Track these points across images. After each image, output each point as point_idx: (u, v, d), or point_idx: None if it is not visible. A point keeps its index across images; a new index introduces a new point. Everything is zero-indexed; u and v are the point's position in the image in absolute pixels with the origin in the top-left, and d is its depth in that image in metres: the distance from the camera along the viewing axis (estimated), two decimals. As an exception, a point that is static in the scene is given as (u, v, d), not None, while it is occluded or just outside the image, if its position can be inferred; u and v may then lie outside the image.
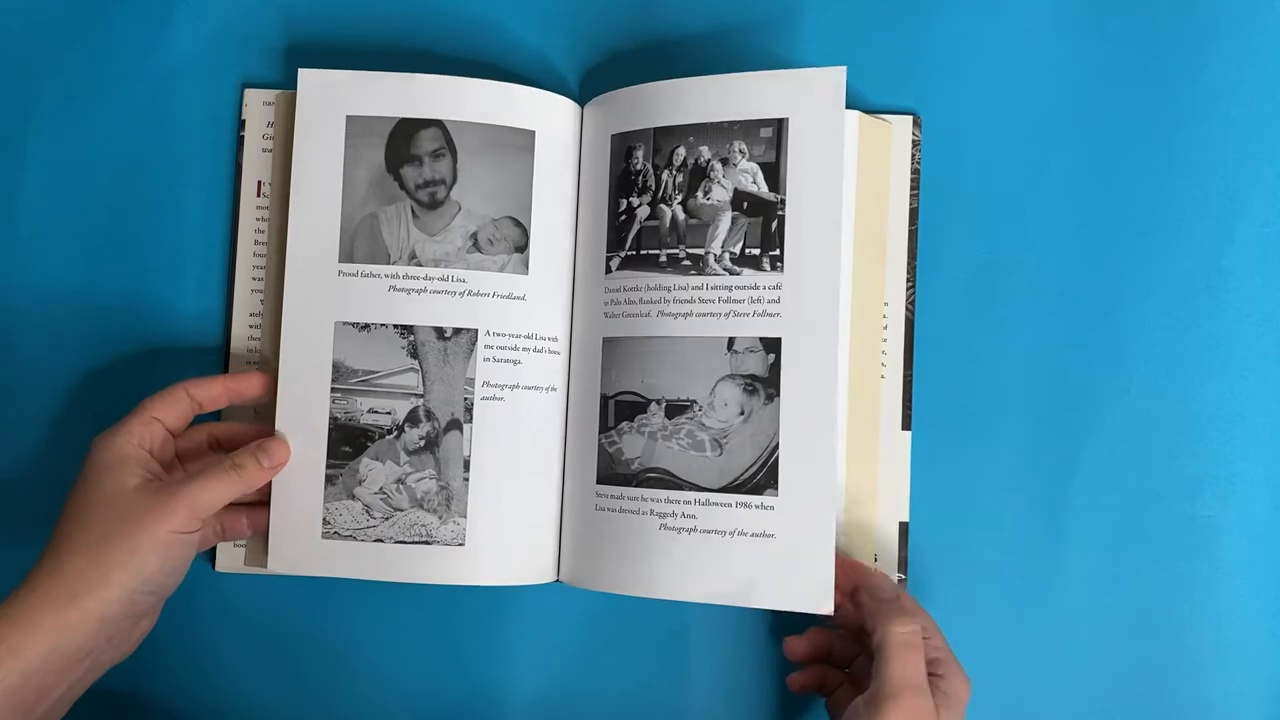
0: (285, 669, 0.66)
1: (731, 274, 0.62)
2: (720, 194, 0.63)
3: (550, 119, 0.65)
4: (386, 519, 0.63)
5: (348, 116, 0.63)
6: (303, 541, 0.62)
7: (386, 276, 0.63)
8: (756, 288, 0.62)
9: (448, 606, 0.67)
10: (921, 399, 0.67)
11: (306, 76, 0.64)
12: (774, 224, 0.62)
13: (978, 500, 0.67)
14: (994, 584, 0.66)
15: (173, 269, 0.68)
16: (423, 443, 0.63)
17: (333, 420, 0.63)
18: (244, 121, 0.67)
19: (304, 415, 0.63)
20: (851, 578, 0.63)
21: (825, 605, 0.60)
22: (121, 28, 0.69)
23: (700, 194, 0.63)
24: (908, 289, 0.66)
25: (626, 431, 0.63)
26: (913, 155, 0.67)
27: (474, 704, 0.67)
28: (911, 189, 0.67)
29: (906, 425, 0.66)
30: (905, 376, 0.66)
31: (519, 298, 0.63)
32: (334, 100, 0.64)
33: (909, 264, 0.66)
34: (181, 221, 0.68)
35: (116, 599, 0.56)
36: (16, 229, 0.68)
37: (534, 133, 0.64)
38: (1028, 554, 0.67)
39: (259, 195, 0.67)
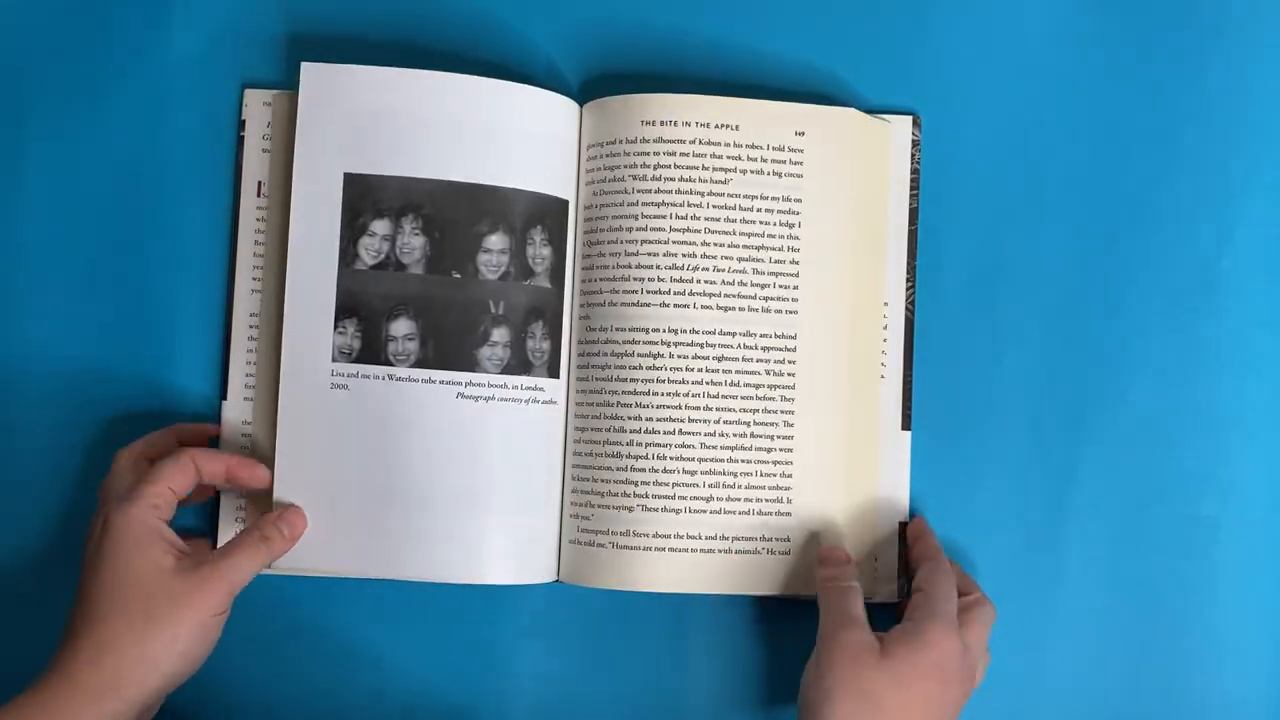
0: (284, 668, 0.66)
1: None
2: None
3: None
4: None
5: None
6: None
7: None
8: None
9: (448, 605, 0.67)
10: (921, 399, 0.67)
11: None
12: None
13: (977, 501, 0.67)
14: (994, 584, 0.65)
15: (172, 269, 0.67)
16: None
17: None
18: (244, 122, 0.67)
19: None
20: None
21: None
22: (121, 28, 0.68)
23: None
24: (907, 289, 0.66)
25: None
26: (912, 155, 0.67)
27: (474, 703, 0.67)
28: (911, 189, 0.67)
29: (906, 425, 0.66)
30: (905, 377, 0.66)
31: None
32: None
33: (909, 264, 0.66)
34: (181, 222, 0.67)
35: (157, 685, 0.55)
36: (16, 228, 0.68)
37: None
38: (1028, 554, 0.67)
39: (259, 196, 0.66)
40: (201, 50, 0.68)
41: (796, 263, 0.64)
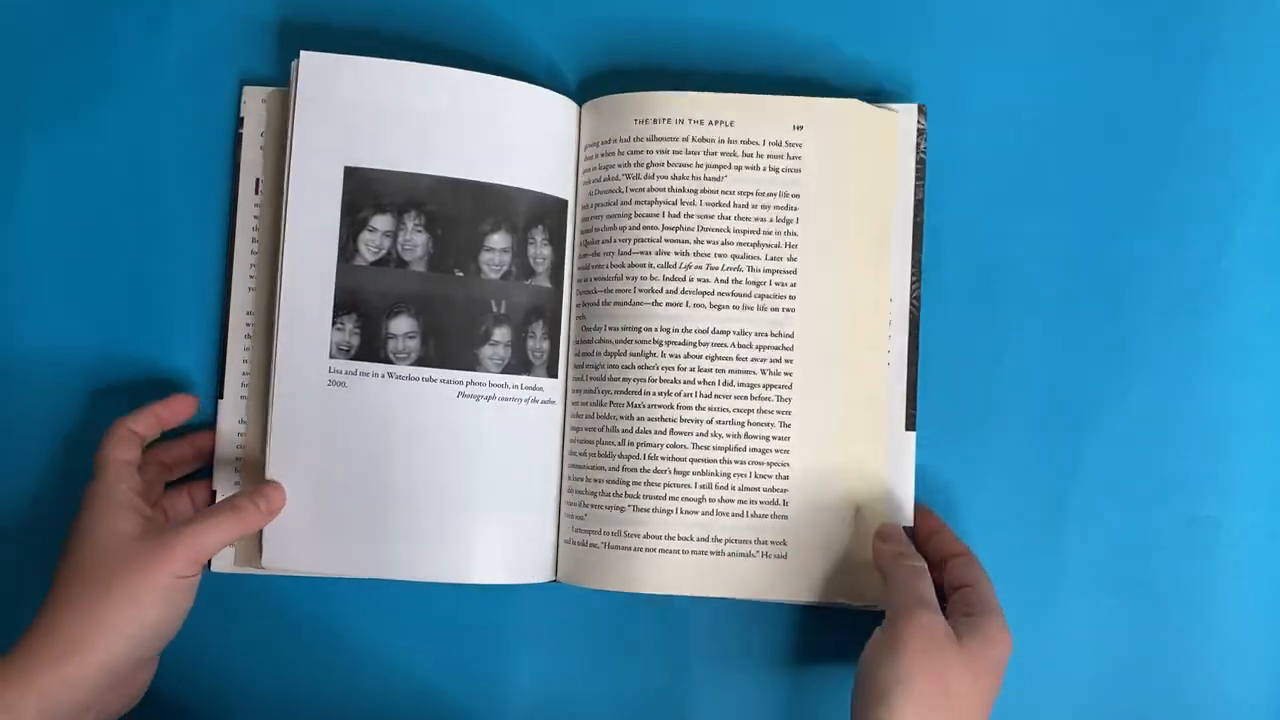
0: (283, 667, 0.66)
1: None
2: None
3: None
4: None
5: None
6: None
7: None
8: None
9: (447, 604, 0.67)
10: (923, 398, 0.66)
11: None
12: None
13: (977, 500, 0.67)
14: (995, 584, 0.64)
15: (170, 267, 0.67)
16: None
17: None
18: (242, 119, 0.66)
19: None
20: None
21: None
22: (120, 26, 0.68)
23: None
24: (912, 284, 0.66)
25: None
26: (918, 145, 0.66)
27: (473, 703, 0.67)
28: (917, 179, 0.66)
29: (911, 425, 0.65)
30: (910, 376, 0.65)
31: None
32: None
33: (913, 258, 0.66)
34: (179, 220, 0.67)
35: (120, 649, 0.55)
36: (15, 228, 0.68)
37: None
38: (1028, 554, 0.67)
39: (256, 193, 0.66)
40: (200, 48, 0.68)
41: (794, 259, 0.63)
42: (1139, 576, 0.67)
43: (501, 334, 0.63)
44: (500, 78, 0.64)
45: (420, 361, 0.62)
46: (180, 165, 0.68)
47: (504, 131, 0.64)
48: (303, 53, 0.63)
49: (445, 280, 0.62)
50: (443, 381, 0.62)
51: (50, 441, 0.67)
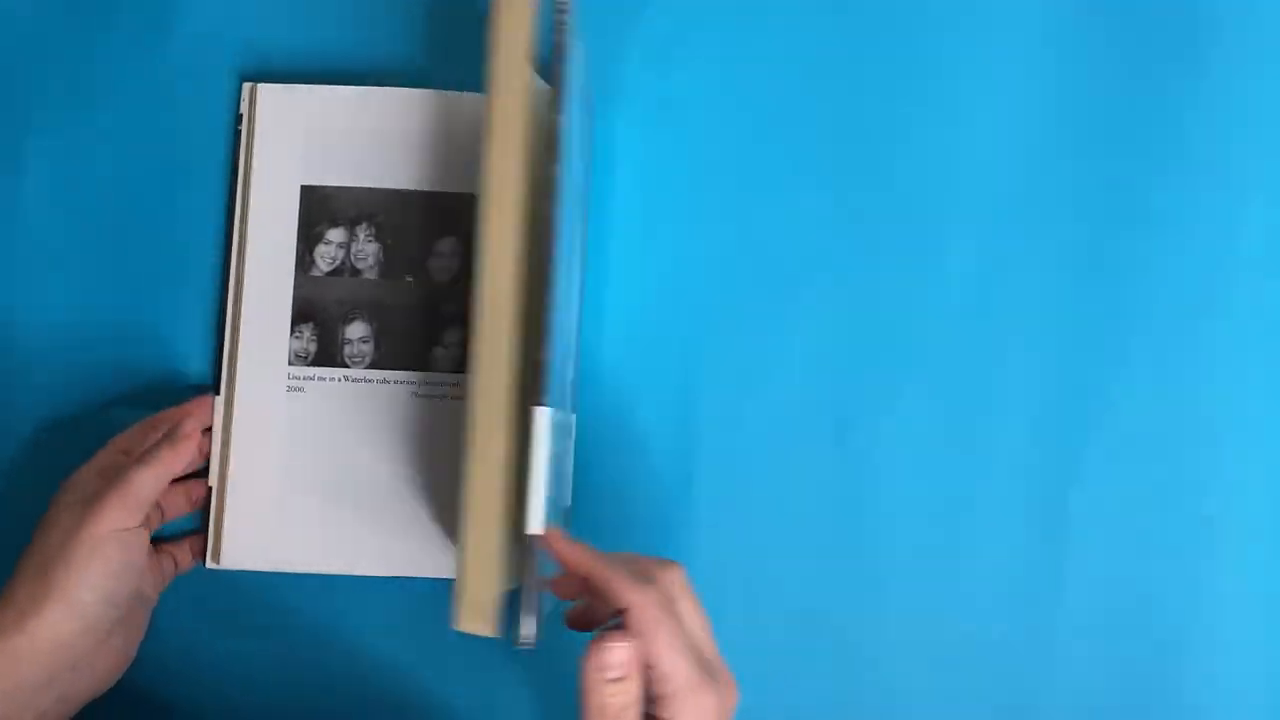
0: (282, 667, 0.67)
1: None
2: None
3: None
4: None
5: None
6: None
7: None
8: None
9: (425, 600, 0.67)
10: (922, 398, 0.67)
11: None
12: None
13: (977, 500, 0.67)
14: (994, 584, 0.66)
15: (171, 265, 0.68)
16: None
17: None
18: (241, 116, 0.68)
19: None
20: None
21: None
22: (121, 23, 0.69)
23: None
24: None
25: None
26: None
27: (473, 703, 0.67)
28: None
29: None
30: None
31: None
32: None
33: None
34: (180, 218, 0.68)
35: (63, 616, 0.54)
36: (16, 228, 0.68)
37: None
38: (1028, 554, 0.66)
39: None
40: (201, 44, 0.69)
41: None
42: (1139, 576, 0.66)
43: (451, 335, 0.65)
44: (443, 91, 0.66)
45: (375, 365, 0.65)
46: (180, 165, 0.68)
47: (450, 141, 0.66)
48: (260, 86, 0.67)
49: (396, 286, 0.65)
50: (396, 382, 0.65)
51: (47, 442, 0.68)
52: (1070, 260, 0.67)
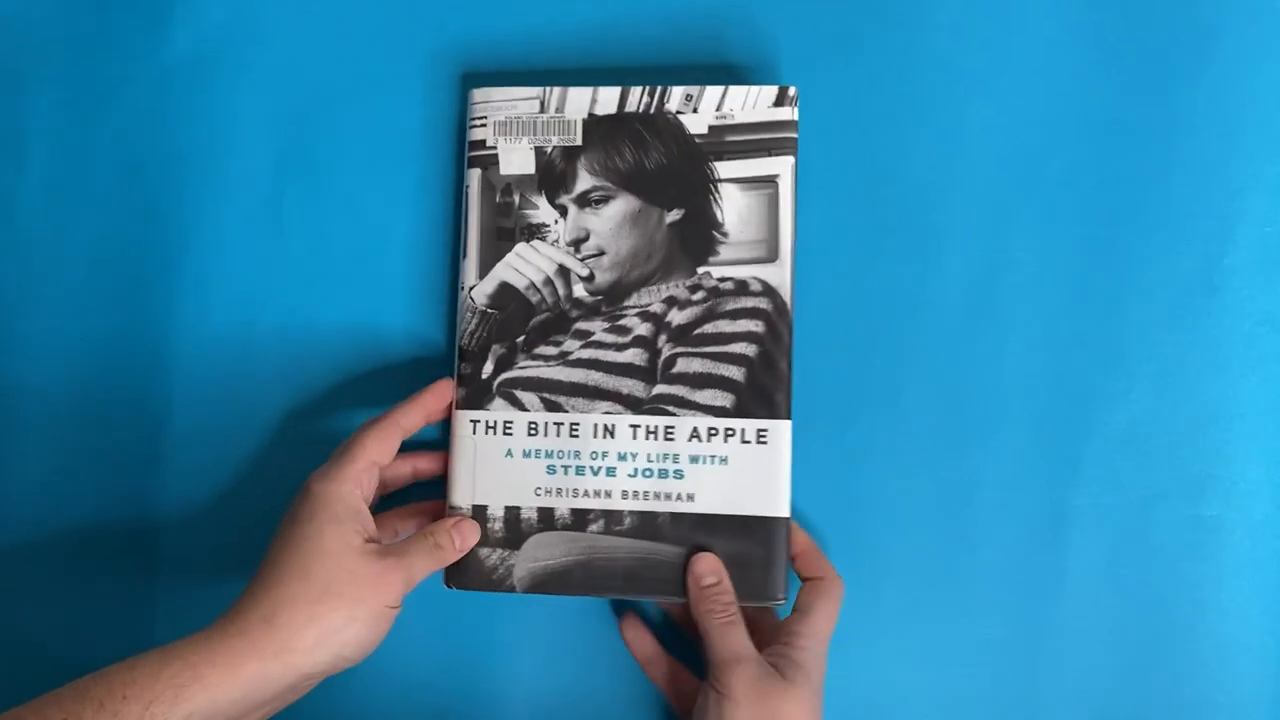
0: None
1: None
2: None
3: None
4: None
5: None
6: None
7: None
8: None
9: (446, 605, 0.68)
10: (923, 398, 0.68)
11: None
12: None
13: (977, 500, 0.68)
14: (995, 584, 0.67)
15: (171, 267, 0.69)
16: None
17: None
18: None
19: None
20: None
21: None
22: (121, 28, 0.70)
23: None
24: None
25: None
26: None
27: (474, 704, 0.68)
28: None
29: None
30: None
31: None
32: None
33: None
34: (180, 217, 0.69)
35: (324, 662, 0.55)
36: (17, 228, 0.69)
37: None
38: (1028, 554, 0.67)
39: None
40: (201, 49, 0.70)
41: None
42: (1140, 576, 0.67)
43: None
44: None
45: None
46: (182, 166, 0.70)
47: None
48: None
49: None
50: None
51: (47, 444, 0.69)
52: (1070, 260, 0.68)
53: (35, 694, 0.51)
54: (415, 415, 0.62)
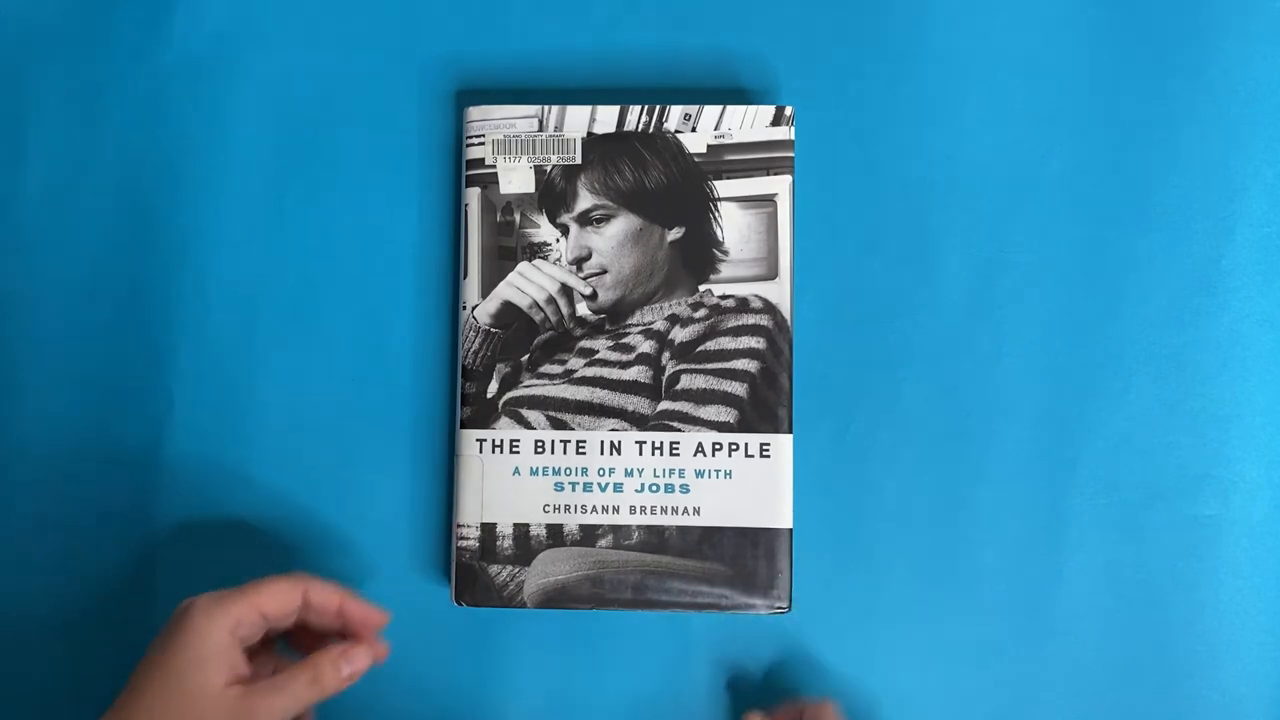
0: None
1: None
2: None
3: None
4: None
5: None
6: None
7: None
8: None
9: (458, 622, 0.68)
10: (921, 404, 0.68)
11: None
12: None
13: (977, 500, 0.68)
14: (994, 584, 0.67)
15: (170, 268, 0.69)
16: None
17: None
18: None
19: None
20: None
21: None
22: (121, 28, 0.70)
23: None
24: None
25: None
26: None
27: (474, 705, 0.68)
28: None
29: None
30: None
31: None
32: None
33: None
34: (181, 218, 0.69)
35: None
36: (17, 229, 0.69)
37: None
38: (1028, 554, 0.67)
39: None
40: (201, 51, 0.70)
41: None
42: (1138, 576, 0.67)
43: None
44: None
45: None
46: (182, 167, 0.69)
47: None
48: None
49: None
50: None
51: (48, 446, 0.68)
52: (1068, 261, 0.68)
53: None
54: (330, 599, 0.59)
